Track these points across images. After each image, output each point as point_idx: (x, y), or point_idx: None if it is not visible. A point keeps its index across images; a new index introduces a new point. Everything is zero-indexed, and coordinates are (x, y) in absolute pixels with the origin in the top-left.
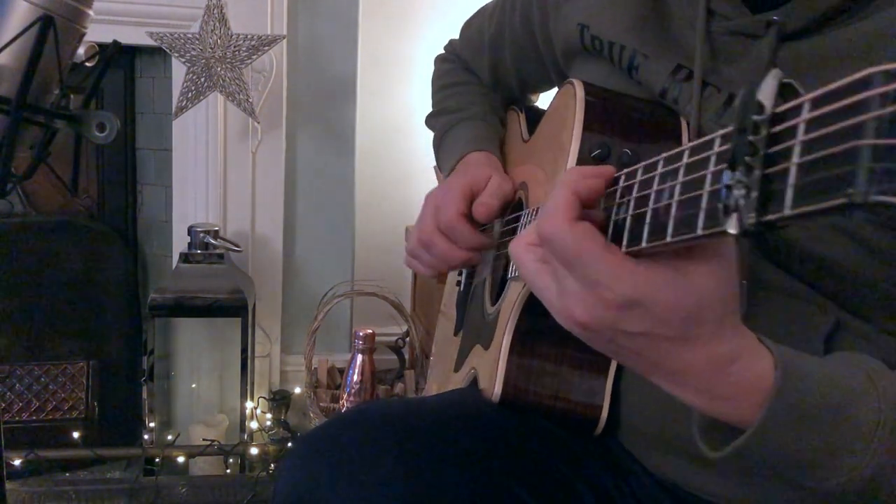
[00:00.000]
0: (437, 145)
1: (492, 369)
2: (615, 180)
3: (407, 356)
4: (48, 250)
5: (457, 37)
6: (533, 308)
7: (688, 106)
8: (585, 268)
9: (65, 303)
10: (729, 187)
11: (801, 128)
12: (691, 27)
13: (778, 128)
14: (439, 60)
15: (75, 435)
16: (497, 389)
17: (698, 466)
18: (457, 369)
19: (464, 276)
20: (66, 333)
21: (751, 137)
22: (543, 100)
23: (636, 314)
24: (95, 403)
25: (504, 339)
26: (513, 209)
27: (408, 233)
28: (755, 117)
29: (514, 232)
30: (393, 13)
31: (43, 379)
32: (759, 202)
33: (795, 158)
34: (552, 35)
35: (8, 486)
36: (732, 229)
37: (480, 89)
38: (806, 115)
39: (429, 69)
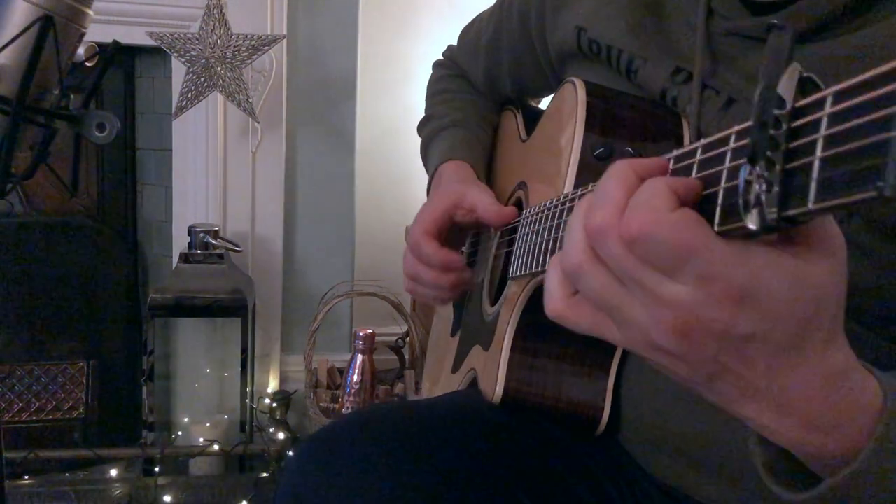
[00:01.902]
0: (423, 154)
1: (492, 370)
2: None
3: (407, 356)
4: (48, 250)
5: (456, 41)
6: (534, 308)
7: (687, 107)
8: (698, 260)
9: (65, 303)
10: (749, 182)
11: (825, 121)
12: (689, 29)
13: (799, 122)
14: (436, 66)
15: (75, 435)
16: (498, 390)
17: (698, 470)
18: (454, 370)
19: None
20: (66, 333)
21: (772, 132)
22: (542, 102)
23: (750, 310)
24: (95, 403)
25: (505, 339)
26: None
27: (407, 233)
28: (776, 111)
29: (513, 231)
30: (393, 13)
31: (43, 379)
32: (780, 197)
33: (819, 152)
34: (549, 39)
35: (8, 486)
36: (753, 224)
37: (468, 96)
38: (829, 108)
39: (429, 69)
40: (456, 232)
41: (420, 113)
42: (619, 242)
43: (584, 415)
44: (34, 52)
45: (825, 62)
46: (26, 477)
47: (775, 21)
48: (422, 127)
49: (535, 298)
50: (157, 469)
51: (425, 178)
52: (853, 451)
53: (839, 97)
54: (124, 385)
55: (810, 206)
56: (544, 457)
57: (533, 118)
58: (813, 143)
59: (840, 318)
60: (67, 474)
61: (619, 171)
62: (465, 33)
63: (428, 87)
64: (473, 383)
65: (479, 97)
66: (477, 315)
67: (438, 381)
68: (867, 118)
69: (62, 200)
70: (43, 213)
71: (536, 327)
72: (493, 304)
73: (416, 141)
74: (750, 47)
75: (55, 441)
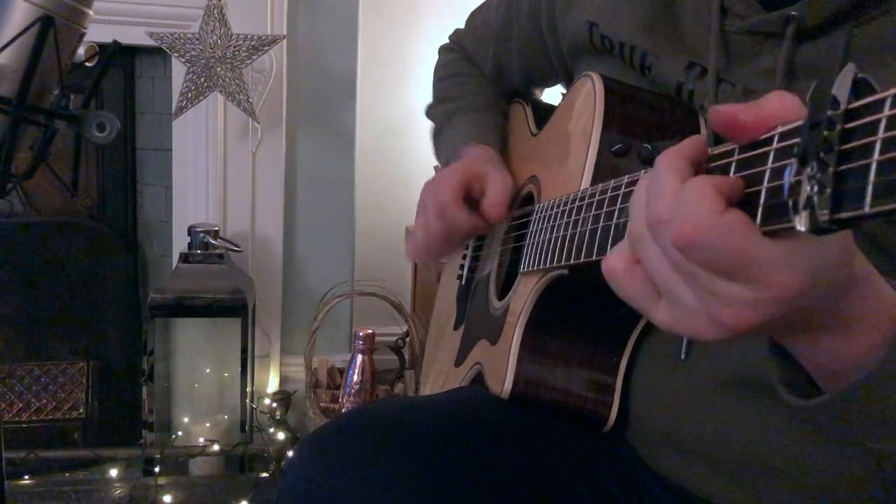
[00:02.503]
0: (437, 135)
1: (501, 365)
2: None
3: (407, 356)
4: (48, 250)
5: (464, 25)
6: (545, 303)
7: (704, 101)
8: (750, 265)
9: (65, 303)
10: (798, 183)
11: (883, 123)
12: (703, 26)
13: (853, 123)
14: (443, 50)
15: (75, 435)
16: (507, 385)
17: (706, 469)
18: (458, 364)
19: (465, 269)
20: (66, 333)
21: (825, 133)
22: (547, 94)
23: (801, 301)
24: (95, 403)
25: (515, 334)
26: (521, 203)
27: (408, 233)
28: (830, 112)
29: (524, 226)
30: (393, 13)
31: (43, 379)
32: (833, 199)
33: (876, 155)
34: (560, 31)
35: (8, 486)
36: (802, 226)
37: (482, 80)
38: (888, 111)
39: (429, 69)
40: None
41: (420, 113)
42: (673, 245)
43: (592, 411)
44: (34, 52)
45: (836, 57)
46: (26, 477)
47: (794, 13)
48: (432, 109)
49: (547, 294)
50: (157, 469)
51: (425, 178)
52: (870, 357)
53: None
54: (124, 385)
55: (866, 209)
56: (545, 453)
57: (542, 112)
58: (870, 146)
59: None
60: (67, 474)
61: (670, 162)
62: (473, 19)
63: (436, 70)
64: (478, 378)
65: (490, 83)
66: (483, 309)
67: (440, 375)
68: None
69: (62, 200)
70: (43, 213)
71: (547, 323)
72: (500, 298)
73: (417, 141)
74: (764, 43)
75: (55, 441)
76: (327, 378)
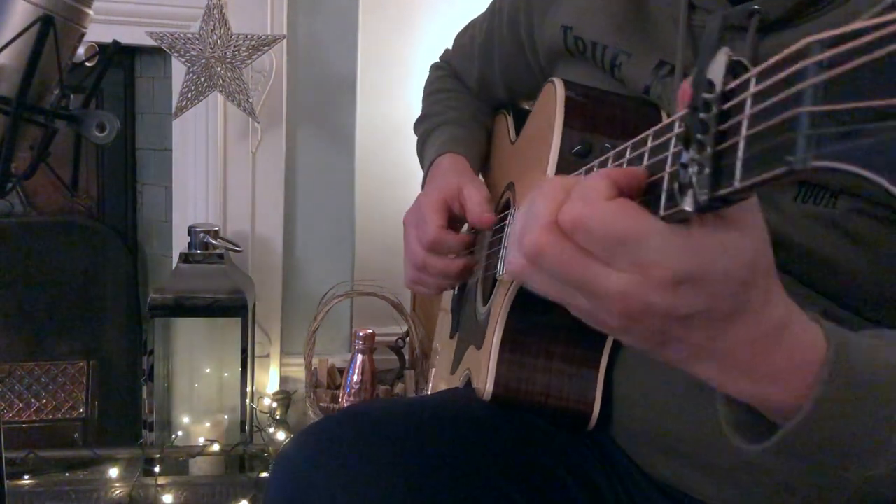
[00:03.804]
0: (420, 151)
1: (483, 368)
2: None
3: (407, 356)
4: (48, 250)
5: (452, 43)
6: (522, 305)
7: (672, 101)
8: (633, 247)
9: (65, 303)
10: (685, 165)
11: (749, 102)
12: (673, 23)
13: (727, 104)
14: (432, 68)
15: (75, 435)
16: (488, 388)
17: (690, 466)
18: (453, 371)
19: None
20: (66, 333)
21: (702, 115)
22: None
23: (688, 291)
24: (95, 403)
25: (494, 337)
26: (502, 210)
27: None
28: (706, 95)
29: (502, 231)
30: (393, 13)
31: (43, 379)
32: (711, 178)
33: (744, 132)
34: (537, 40)
35: (8, 486)
36: (689, 206)
37: (462, 96)
38: (752, 89)
39: (429, 69)
40: (453, 223)
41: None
42: (557, 236)
43: (573, 411)
44: (34, 52)
45: None
46: (26, 477)
47: (756, 7)
48: (418, 125)
49: (523, 297)
50: (157, 469)
51: None
52: (800, 401)
53: (761, 77)
54: (124, 385)
55: (736, 184)
56: (535, 452)
57: (522, 120)
58: (739, 124)
59: (773, 274)
60: (67, 474)
61: (549, 188)
62: (460, 38)
63: (424, 88)
64: (469, 383)
65: (474, 98)
66: (471, 315)
67: (440, 385)
68: (780, 96)
69: (62, 200)
70: (43, 213)
71: (525, 325)
72: (484, 303)
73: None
74: (732, 37)
75: (55, 441)
76: (327, 378)
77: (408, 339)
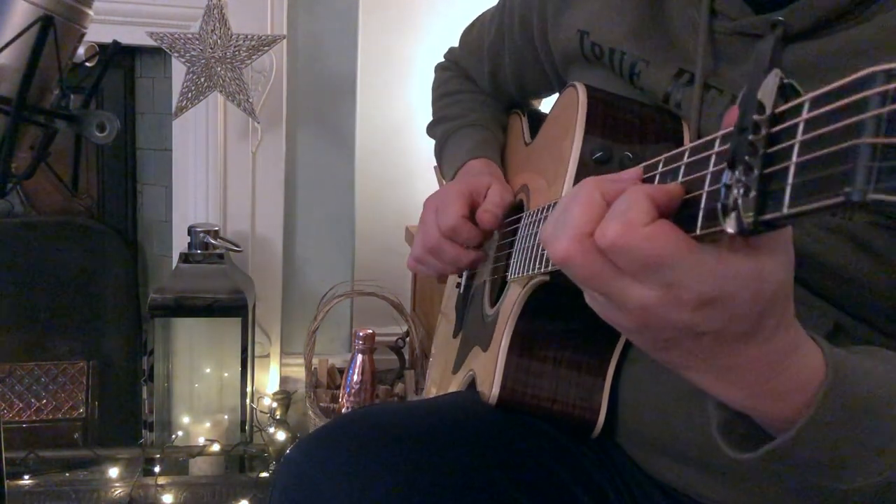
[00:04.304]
0: (439, 154)
1: (490, 371)
2: None
3: (407, 356)
4: (48, 250)
5: (456, 41)
6: (532, 310)
7: (691, 110)
8: (666, 270)
9: (65, 303)
10: (728, 186)
11: (801, 127)
12: (692, 30)
13: (777, 128)
14: (439, 69)
15: (75, 435)
16: (495, 391)
17: (698, 471)
18: (455, 371)
19: (464, 277)
20: (66, 333)
21: (751, 137)
22: (546, 103)
23: (711, 312)
24: (95, 403)
25: (502, 340)
26: (514, 212)
27: (408, 233)
28: (755, 117)
29: (514, 234)
30: (393, 13)
31: (43, 379)
32: (757, 201)
33: (794, 158)
34: (551, 42)
35: (8, 486)
36: (731, 228)
37: (480, 97)
38: (805, 114)
39: (429, 69)
40: (474, 216)
41: (421, 113)
42: (587, 248)
43: (579, 418)
44: (34, 52)
45: (822, 59)
46: (26, 477)
47: (780, 17)
48: (434, 127)
49: (534, 300)
50: (157, 469)
51: (425, 178)
52: (795, 415)
53: (815, 104)
54: (124, 385)
55: (785, 210)
56: (541, 457)
57: (537, 122)
58: (789, 149)
59: (790, 301)
60: (67, 474)
61: (584, 195)
62: (467, 35)
63: (433, 89)
64: (473, 384)
65: (488, 98)
66: (478, 316)
67: (440, 383)
68: (838, 125)
69: (62, 200)
70: (43, 213)
71: (534, 329)
72: (493, 305)
73: (417, 141)
74: (752, 45)
75: (55, 441)
76: (327, 378)
77: (408, 338)
